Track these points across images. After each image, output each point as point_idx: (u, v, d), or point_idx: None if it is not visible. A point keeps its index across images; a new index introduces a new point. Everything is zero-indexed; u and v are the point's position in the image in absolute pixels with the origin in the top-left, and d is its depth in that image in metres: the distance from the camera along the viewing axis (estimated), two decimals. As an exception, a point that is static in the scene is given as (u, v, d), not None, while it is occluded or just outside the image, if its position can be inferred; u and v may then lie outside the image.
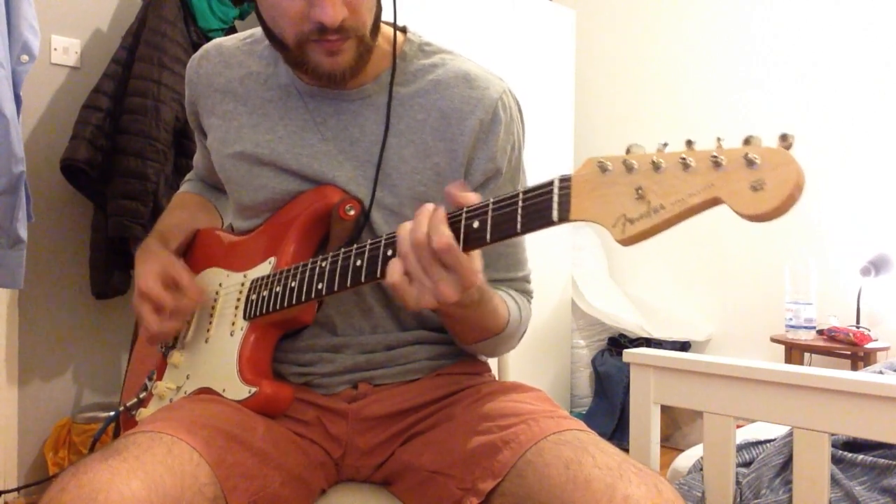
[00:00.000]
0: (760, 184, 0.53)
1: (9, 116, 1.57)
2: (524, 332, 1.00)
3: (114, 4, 2.37)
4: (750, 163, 0.54)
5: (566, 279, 3.02)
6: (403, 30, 0.97)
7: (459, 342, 0.95)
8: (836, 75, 2.69)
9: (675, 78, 3.13)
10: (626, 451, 0.87)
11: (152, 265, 0.96)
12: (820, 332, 2.50)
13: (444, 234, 0.69)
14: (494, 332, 0.90)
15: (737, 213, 0.54)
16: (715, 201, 0.56)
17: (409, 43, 0.96)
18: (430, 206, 0.73)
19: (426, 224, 0.71)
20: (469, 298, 0.75)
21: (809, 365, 2.54)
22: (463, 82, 0.93)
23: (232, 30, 2.35)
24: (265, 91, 0.97)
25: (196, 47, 2.20)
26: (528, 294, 1.02)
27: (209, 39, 2.20)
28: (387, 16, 0.94)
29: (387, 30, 0.94)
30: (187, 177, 1.23)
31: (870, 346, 2.38)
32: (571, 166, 3.07)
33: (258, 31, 0.98)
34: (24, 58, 1.67)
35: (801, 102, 2.77)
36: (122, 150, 2.08)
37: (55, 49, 2.24)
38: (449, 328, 0.93)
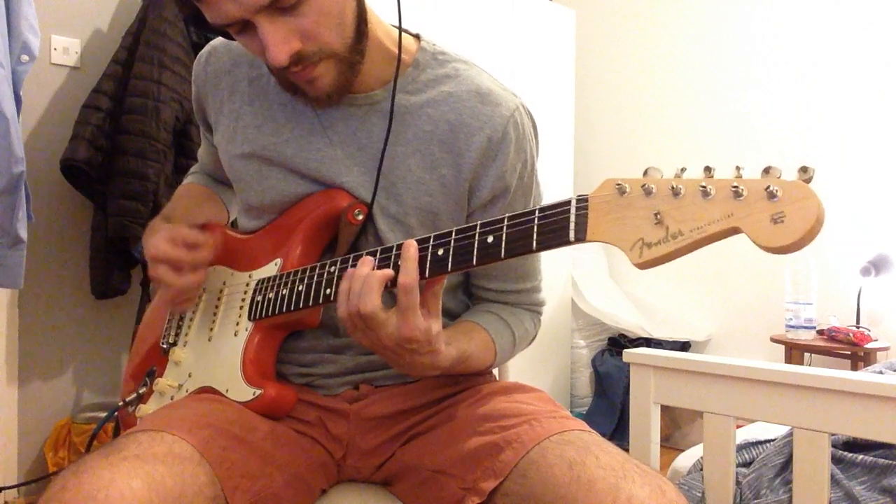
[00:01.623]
0: (781, 217, 0.54)
1: (9, 116, 1.57)
2: (526, 346, 1.02)
3: (114, 4, 2.37)
4: (771, 195, 0.54)
5: (566, 279, 3.02)
6: (417, 37, 0.96)
7: None
8: (836, 75, 2.70)
9: (675, 78, 3.13)
10: (627, 451, 0.87)
11: (156, 233, 0.95)
12: (820, 332, 2.50)
13: (412, 274, 0.72)
14: (472, 371, 0.92)
15: (756, 244, 0.55)
16: (734, 231, 0.56)
17: (422, 51, 0.94)
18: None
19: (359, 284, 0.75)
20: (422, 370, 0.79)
21: (809, 365, 2.54)
22: (475, 96, 0.91)
23: (232, 30, 2.34)
24: (275, 94, 0.96)
25: (196, 47, 2.20)
26: (534, 306, 1.02)
27: (209, 40, 2.21)
28: (393, 19, 0.93)
29: (395, 34, 0.93)
30: (192, 169, 1.21)
31: (870, 346, 2.38)
32: (571, 167, 3.07)
33: None
34: (24, 58, 1.67)
35: (801, 102, 2.78)
36: (122, 150, 2.08)
37: (55, 49, 2.24)
38: None
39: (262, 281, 0.93)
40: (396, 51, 0.91)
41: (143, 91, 2.09)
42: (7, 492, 2.08)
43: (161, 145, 2.10)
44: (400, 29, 0.94)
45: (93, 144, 2.08)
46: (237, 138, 0.97)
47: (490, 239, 0.70)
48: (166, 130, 2.11)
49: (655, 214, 0.59)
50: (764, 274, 2.81)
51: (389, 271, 0.75)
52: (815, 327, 2.49)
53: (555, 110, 2.99)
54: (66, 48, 2.26)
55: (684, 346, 2.90)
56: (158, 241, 0.93)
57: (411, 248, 0.73)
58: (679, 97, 3.12)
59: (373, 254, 0.79)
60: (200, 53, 1.04)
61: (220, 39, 1.03)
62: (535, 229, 0.67)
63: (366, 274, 0.74)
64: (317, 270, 0.86)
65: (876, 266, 2.51)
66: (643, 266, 0.60)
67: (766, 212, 0.54)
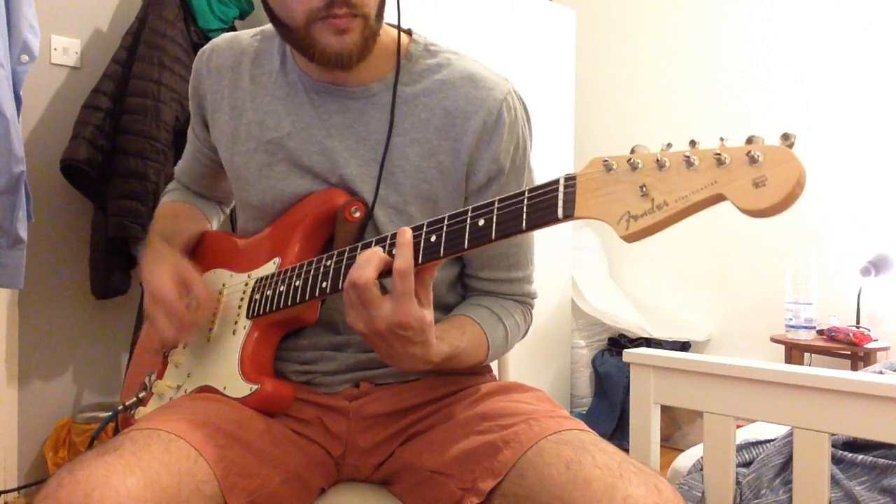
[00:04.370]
0: (762, 180, 0.54)
1: (9, 116, 1.57)
2: (518, 340, 1.02)
3: (114, 4, 2.37)
4: (752, 160, 0.55)
5: (566, 279, 3.02)
6: (409, 32, 0.98)
7: None
8: (836, 75, 2.69)
9: (675, 78, 3.13)
10: (626, 451, 0.87)
11: (164, 266, 0.94)
12: (820, 332, 2.50)
13: (407, 260, 0.72)
14: (462, 366, 0.92)
15: (739, 208, 0.55)
16: (718, 198, 0.57)
17: (414, 44, 0.97)
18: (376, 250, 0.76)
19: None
20: (412, 364, 0.78)
21: (809, 365, 2.54)
22: (468, 82, 0.93)
23: (231, 30, 2.35)
24: (274, 88, 0.97)
25: (196, 47, 2.20)
26: (526, 297, 1.02)
27: (209, 39, 2.20)
28: (391, 19, 0.95)
29: (391, 31, 0.95)
30: (169, 187, 1.21)
31: (870, 346, 2.38)
32: (572, 166, 3.07)
33: (269, 27, 0.98)
34: (24, 58, 1.66)
35: (801, 102, 2.77)
36: (122, 150, 2.08)
37: (55, 49, 2.24)
38: None
39: (260, 280, 0.94)
40: (392, 46, 0.94)
41: (143, 91, 2.09)
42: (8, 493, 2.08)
43: (161, 145, 2.10)
44: (399, 28, 0.95)
45: (93, 144, 2.08)
46: (240, 135, 0.98)
47: (481, 222, 0.70)
48: (166, 130, 2.11)
49: (641, 187, 0.59)
50: (764, 274, 2.81)
51: (387, 257, 0.75)
52: (815, 327, 2.49)
53: (555, 110, 2.99)
54: (66, 48, 2.26)
55: (684, 346, 2.90)
56: (164, 277, 0.91)
57: (407, 234, 0.74)
58: (679, 97, 3.12)
59: (367, 245, 0.80)
60: (203, 49, 1.05)
61: (223, 37, 1.04)
62: (525, 209, 0.68)
63: (371, 251, 0.76)
64: (313, 265, 0.86)
65: (876, 266, 2.51)
66: (630, 238, 0.60)
67: (748, 176, 0.55)
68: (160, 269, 0.93)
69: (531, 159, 1.00)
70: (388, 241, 0.78)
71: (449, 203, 0.93)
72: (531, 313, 1.04)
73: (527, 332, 1.04)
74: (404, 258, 0.72)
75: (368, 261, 0.74)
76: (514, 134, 0.94)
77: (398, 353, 0.77)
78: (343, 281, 0.81)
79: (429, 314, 0.75)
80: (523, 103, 0.98)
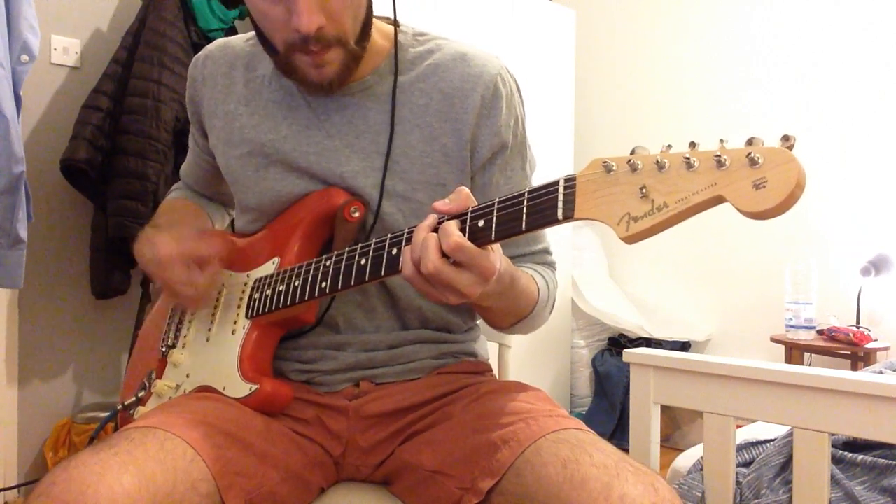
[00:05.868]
0: (762, 182, 0.54)
1: (9, 116, 1.57)
2: (554, 303, 1.01)
3: (114, 4, 2.37)
4: (752, 162, 0.55)
5: (566, 279, 3.02)
6: (396, 24, 0.99)
7: (495, 329, 0.97)
8: (836, 75, 2.69)
9: (675, 78, 3.13)
10: (626, 451, 0.87)
11: (163, 235, 0.93)
12: (820, 332, 2.50)
13: (454, 235, 0.69)
14: (527, 314, 0.91)
15: (739, 210, 0.55)
16: (718, 199, 0.57)
17: (403, 34, 0.98)
18: (432, 217, 0.73)
19: (426, 235, 0.71)
20: (493, 289, 0.75)
21: (809, 365, 2.54)
22: (460, 62, 0.94)
23: (232, 30, 2.35)
24: (269, 92, 0.98)
25: (196, 47, 2.20)
26: (551, 265, 1.03)
27: (209, 39, 2.21)
28: (382, 12, 0.96)
29: (381, 26, 0.96)
30: (174, 186, 1.22)
31: (870, 346, 2.38)
32: (572, 166, 3.07)
33: None
34: (24, 58, 1.67)
35: (801, 102, 2.77)
36: (122, 150, 2.08)
37: (55, 49, 2.24)
38: (482, 316, 0.95)
39: (259, 280, 0.94)
40: (383, 41, 0.95)
41: (143, 91, 2.09)
42: (7, 491, 2.08)
43: (161, 145, 2.10)
44: (395, 23, 0.96)
45: (93, 144, 2.08)
46: (234, 139, 0.98)
47: (480, 223, 0.70)
48: (166, 130, 2.11)
49: (641, 188, 0.60)
50: (764, 274, 2.81)
51: (436, 237, 0.71)
52: (815, 327, 2.49)
53: (555, 110, 2.99)
54: (66, 48, 2.26)
55: (684, 346, 2.90)
56: (168, 240, 0.91)
57: (440, 208, 0.72)
58: (679, 97, 3.12)
59: (367, 246, 0.80)
60: (196, 56, 1.05)
61: (216, 43, 1.04)
62: (525, 210, 0.68)
63: (421, 238, 0.71)
64: (312, 265, 0.86)
65: (876, 266, 2.51)
66: (630, 240, 0.60)
67: (748, 178, 0.55)
68: (159, 237, 0.92)
69: (528, 137, 1.01)
70: (387, 241, 0.78)
71: (457, 185, 0.92)
72: (556, 278, 1.03)
73: (555, 296, 1.02)
74: (449, 236, 0.69)
75: (426, 246, 0.70)
76: (512, 107, 0.96)
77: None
78: (343, 281, 0.81)
79: (497, 253, 0.73)
80: (515, 79, 0.99)
